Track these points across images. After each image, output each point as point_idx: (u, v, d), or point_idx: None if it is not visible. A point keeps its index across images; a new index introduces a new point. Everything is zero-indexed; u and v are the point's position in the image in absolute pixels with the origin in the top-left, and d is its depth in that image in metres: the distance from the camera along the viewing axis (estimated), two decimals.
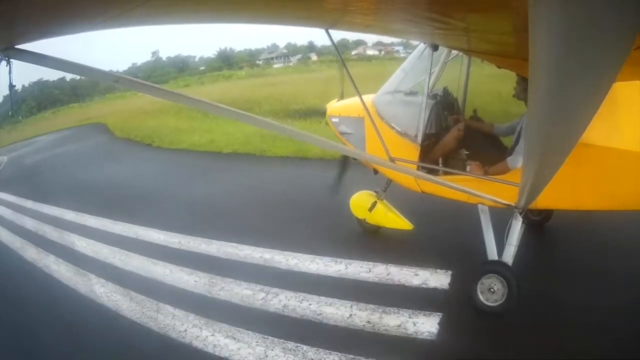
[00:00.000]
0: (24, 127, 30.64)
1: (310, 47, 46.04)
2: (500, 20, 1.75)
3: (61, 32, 1.66)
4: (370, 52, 37.93)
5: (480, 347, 2.78)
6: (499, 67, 3.23)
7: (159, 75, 47.75)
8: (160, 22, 2.02)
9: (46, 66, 1.66)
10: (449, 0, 1.70)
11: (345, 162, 4.61)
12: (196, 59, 54.67)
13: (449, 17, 1.98)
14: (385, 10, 2.09)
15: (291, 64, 43.63)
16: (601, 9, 0.97)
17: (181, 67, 51.31)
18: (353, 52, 37.37)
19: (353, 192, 4.50)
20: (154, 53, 54.77)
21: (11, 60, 1.53)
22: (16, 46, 1.51)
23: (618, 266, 3.45)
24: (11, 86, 1.80)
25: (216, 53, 51.38)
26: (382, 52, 35.20)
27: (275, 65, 42.13)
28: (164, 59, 54.67)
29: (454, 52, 3.88)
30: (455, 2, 1.69)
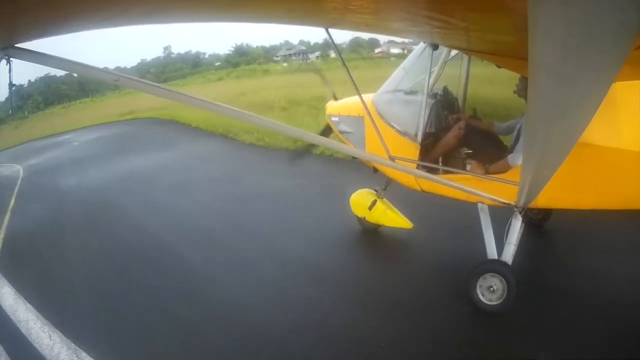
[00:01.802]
0: (32, 122, 28.85)
1: (327, 44, 45.54)
2: (500, 19, 1.75)
3: (61, 31, 1.66)
4: (394, 50, 35.89)
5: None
6: (499, 67, 3.23)
7: (171, 71, 47.60)
8: (159, 21, 2.02)
9: (46, 65, 1.65)
10: (448, 0, 1.70)
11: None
12: (206, 55, 54.75)
13: (449, 17, 1.97)
14: (385, 9, 2.09)
15: (309, 60, 43.25)
16: (601, 8, 0.97)
17: (195, 63, 51.26)
18: (376, 50, 36.10)
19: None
20: (165, 48, 55.04)
21: (11, 59, 1.53)
22: (16, 45, 1.50)
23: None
24: (11, 85, 1.79)
25: (232, 49, 51.83)
26: (406, 51, 34.35)
27: (300, 62, 41.90)
28: (174, 54, 54.85)
29: (454, 51, 3.87)
30: (455, 2, 1.69)
